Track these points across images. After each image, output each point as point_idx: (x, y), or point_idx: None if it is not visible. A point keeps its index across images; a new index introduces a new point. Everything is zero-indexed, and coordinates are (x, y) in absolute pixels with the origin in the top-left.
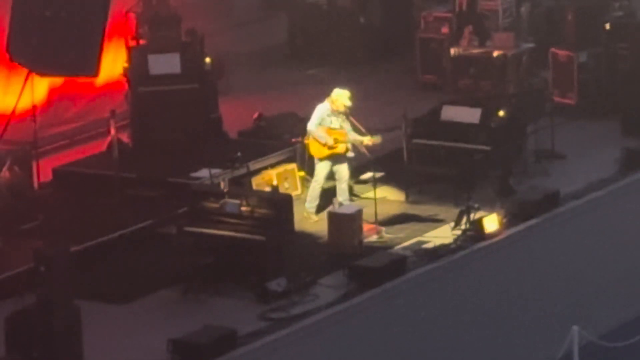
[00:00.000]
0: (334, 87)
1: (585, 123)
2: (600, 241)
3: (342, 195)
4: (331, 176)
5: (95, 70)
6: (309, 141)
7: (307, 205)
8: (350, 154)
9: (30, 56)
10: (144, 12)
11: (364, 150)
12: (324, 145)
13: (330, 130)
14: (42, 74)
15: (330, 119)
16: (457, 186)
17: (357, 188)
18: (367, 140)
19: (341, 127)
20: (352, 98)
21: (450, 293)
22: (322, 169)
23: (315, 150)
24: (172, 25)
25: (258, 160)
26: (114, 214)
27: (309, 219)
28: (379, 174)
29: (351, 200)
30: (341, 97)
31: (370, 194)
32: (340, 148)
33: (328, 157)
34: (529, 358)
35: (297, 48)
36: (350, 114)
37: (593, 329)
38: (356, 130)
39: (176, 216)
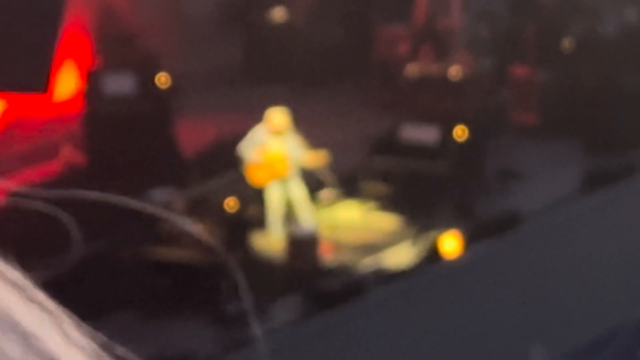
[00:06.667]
0: (292, 105)
1: (546, 142)
2: (560, 261)
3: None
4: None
5: (44, 87)
6: (247, 169)
7: (271, 231)
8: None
9: None
10: (98, 31)
11: (318, 167)
12: (262, 170)
13: (266, 154)
14: None
15: (267, 140)
16: (415, 206)
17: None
18: (309, 158)
19: (282, 148)
20: (289, 115)
21: (409, 313)
22: (271, 193)
23: (255, 178)
24: (126, 44)
25: (215, 181)
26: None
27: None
28: (335, 193)
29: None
30: (276, 117)
31: (327, 213)
32: (281, 171)
33: (270, 183)
34: None
35: (254, 66)
36: (295, 132)
37: (554, 349)
38: (302, 148)
39: (131, 238)
